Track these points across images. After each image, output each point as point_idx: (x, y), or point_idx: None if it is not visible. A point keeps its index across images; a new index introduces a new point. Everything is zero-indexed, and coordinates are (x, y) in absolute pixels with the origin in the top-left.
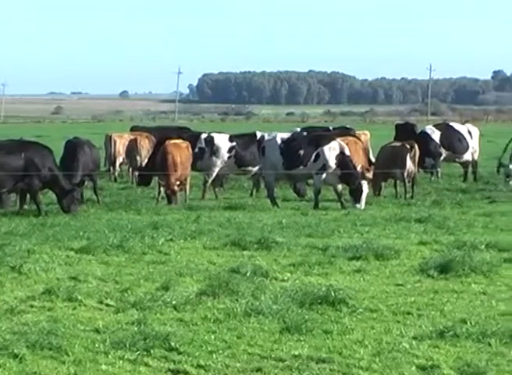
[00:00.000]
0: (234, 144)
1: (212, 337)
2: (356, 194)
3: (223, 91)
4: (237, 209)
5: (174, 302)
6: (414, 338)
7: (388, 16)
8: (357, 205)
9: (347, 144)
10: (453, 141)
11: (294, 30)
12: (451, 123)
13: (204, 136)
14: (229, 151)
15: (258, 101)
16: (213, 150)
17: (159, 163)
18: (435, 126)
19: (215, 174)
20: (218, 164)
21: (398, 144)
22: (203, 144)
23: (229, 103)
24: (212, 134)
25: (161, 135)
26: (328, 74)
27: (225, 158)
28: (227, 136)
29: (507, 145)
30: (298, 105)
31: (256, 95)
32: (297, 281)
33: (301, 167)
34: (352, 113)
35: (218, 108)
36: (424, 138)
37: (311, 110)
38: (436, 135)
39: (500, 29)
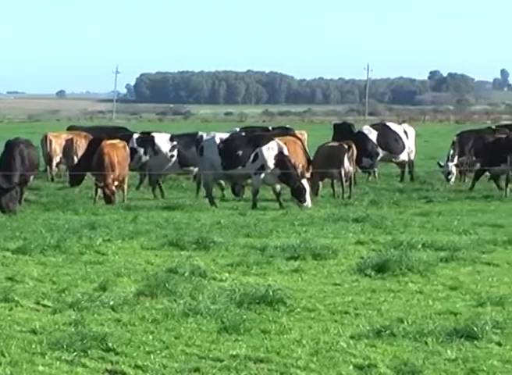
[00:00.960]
0: (175, 143)
1: (150, 337)
2: (299, 194)
3: (161, 90)
4: (175, 209)
5: (112, 303)
6: (352, 337)
7: (324, 15)
8: (304, 204)
9: (286, 143)
10: (390, 141)
11: (232, 30)
12: (388, 123)
13: (135, 136)
14: (171, 150)
15: (196, 101)
16: (154, 150)
17: (96, 164)
18: (372, 126)
19: (161, 173)
20: (161, 164)
21: (335, 143)
22: (135, 144)
23: (167, 103)
24: (153, 134)
25: (98, 135)
26: (267, 74)
27: (168, 157)
28: (168, 135)
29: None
30: (236, 105)
31: (194, 95)
32: (235, 281)
33: (240, 167)
34: (290, 113)
35: (156, 108)
36: (362, 138)
37: (249, 110)
38: (373, 135)
39: (436, 29)
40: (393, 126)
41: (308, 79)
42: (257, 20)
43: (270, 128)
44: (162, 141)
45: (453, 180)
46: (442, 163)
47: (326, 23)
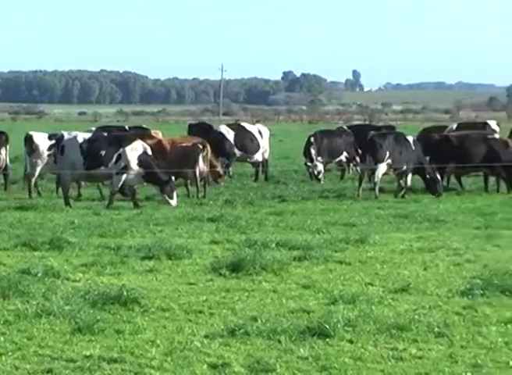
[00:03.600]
0: (53, 142)
1: (2, 338)
2: (168, 191)
3: (14, 89)
4: (29, 210)
5: None
6: (206, 337)
7: (177, 14)
8: (172, 202)
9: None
10: (245, 141)
11: (85, 29)
12: (242, 123)
13: None
14: (49, 149)
15: (50, 101)
16: (32, 149)
17: None
18: (227, 126)
19: (37, 174)
20: (39, 163)
21: (190, 143)
22: None
23: (20, 102)
24: (30, 133)
25: None
26: (121, 74)
27: (45, 156)
28: (46, 134)
29: (306, 147)
30: (90, 105)
31: (47, 94)
32: (89, 281)
33: (102, 167)
34: (145, 113)
35: (9, 108)
36: (219, 138)
37: (103, 110)
38: (231, 135)
39: (290, 30)
40: (248, 126)
41: (163, 79)
42: (111, 19)
43: (127, 128)
44: (40, 139)
45: (322, 178)
46: (309, 164)
47: (179, 22)
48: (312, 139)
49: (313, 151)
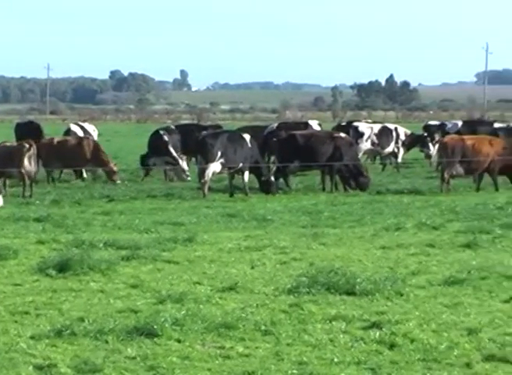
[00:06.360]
0: None
1: None
2: None
3: None
4: None
5: None
6: (32, 338)
7: (3, 13)
8: None
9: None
10: None
11: None
12: (81, 123)
13: None
14: None
15: None
16: None
17: None
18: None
19: None
20: None
21: (15, 143)
22: None
23: None
24: None
25: None
26: None
27: None
28: None
29: (160, 146)
30: None
31: None
32: None
33: None
34: None
35: None
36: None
37: None
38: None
39: (114, 29)
40: (87, 125)
41: None
42: None
43: None
44: None
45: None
46: (182, 164)
47: (5, 20)
48: (166, 137)
49: (172, 150)
